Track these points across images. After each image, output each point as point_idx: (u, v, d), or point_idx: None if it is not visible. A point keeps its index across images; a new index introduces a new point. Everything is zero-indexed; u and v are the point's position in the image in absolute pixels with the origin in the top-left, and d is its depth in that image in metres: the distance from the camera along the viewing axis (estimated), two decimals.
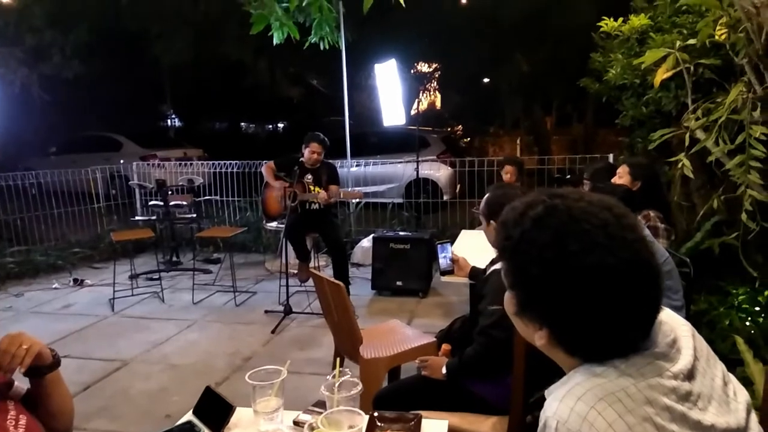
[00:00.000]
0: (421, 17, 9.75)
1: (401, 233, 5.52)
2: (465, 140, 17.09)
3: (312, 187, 4.89)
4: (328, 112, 16.10)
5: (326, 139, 4.91)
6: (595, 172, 3.64)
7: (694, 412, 0.78)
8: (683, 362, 0.82)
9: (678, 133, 2.98)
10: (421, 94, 18.14)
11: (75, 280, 5.77)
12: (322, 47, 5.69)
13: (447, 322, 2.85)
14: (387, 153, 8.89)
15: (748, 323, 2.95)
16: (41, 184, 6.83)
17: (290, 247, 5.07)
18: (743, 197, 2.54)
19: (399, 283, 5.14)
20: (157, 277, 5.61)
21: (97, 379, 3.55)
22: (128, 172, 7.74)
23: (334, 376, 1.47)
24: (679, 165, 2.77)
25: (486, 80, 16.30)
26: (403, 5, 3.62)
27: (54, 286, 5.65)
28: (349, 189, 6.25)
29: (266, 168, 5.07)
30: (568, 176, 6.65)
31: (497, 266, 2.09)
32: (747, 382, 2.20)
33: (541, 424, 0.82)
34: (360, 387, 1.43)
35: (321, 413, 1.35)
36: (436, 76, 17.45)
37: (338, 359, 1.64)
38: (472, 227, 5.22)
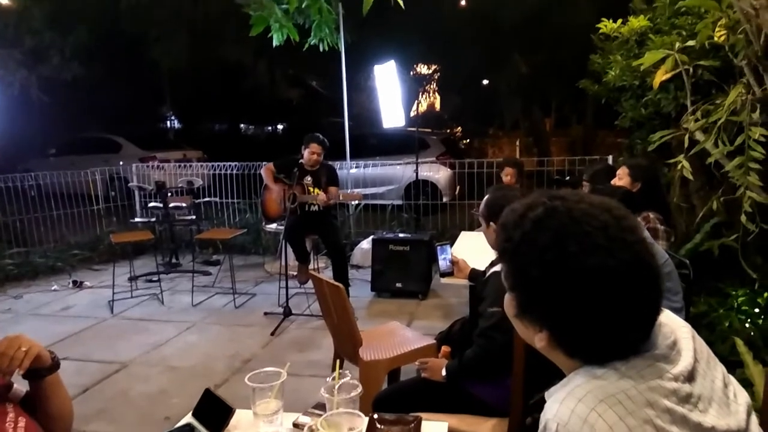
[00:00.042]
0: (421, 19, 9.76)
1: (401, 235, 5.51)
2: (464, 142, 17.09)
3: (311, 189, 4.88)
4: (328, 113, 16.10)
5: (326, 140, 4.91)
6: (595, 174, 3.64)
7: (694, 414, 0.78)
8: (683, 364, 0.82)
9: (677, 134, 2.98)
10: (420, 96, 18.15)
11: (74, 282, 5.77)
12: (321, 49, 5.70)
13: (447, 324, 2.85)
14: (386, 154, 8.88)
15: (747, 325, 2.95)
16: (40, 186, 6.83)
17: (290, 249, 5.07)
18: (742, 199, 2.54)
19: (398, 284, 5.14)
20: (156, 279, 5.61)
21: (97, 382, 3.55)
22: (127, 174, 7.74)
23: (333, 378, 1.47)
24: (679, 166, 2.77)
25: (485, 82, 16.31)
26: (403, 7, 3.63)
27: (53, 288, 5.65)
28: (349, 191, 6.25)
29: (265, 170, 5.07)
30: (568, 178, 6.63)
31: (497, 268, 2.09)
32: (747, 384, 2.20)
33: (541, 426, 0.82)
34: (360, 389, 1.43)
35: (321, 415, 1.35)
36: (436, 77, 17.46)
37: (338, 361, 1.64)
38: (471, 229, 5.22)
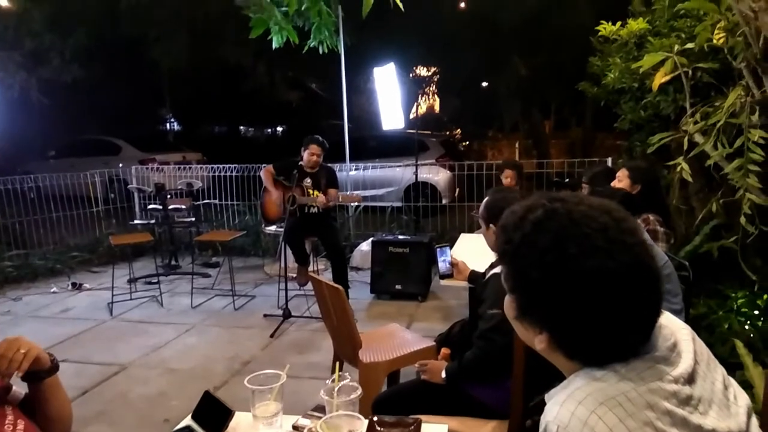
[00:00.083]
0: (420, 21, 9.78)
1: (400, 237, 5.52)
2: (464, 144, 17.11)
3: (311, 191, 4.88)
4: (327, 115, 16.10)
5: (325, 141, 4.91)
6: (594, 176, 3.65)
7: (694, 416, 0.78)
8: (684, 366, 0.82)
9: (676, 136, 2.99)
10: (419, 98, 18.17)
11: (73, 284, 5.76)
12: (321, 51, 5.71)
13: (446, 326, 2.85)
14: (386, 157, 8.88)
15: (747, 327, 2.95)
16: (40, 188, 6.83)
17: (289, 251, 5.06)
18: (742, 201, 2.54)
19: (398, 286, 5.14)
20: (155, 281, 5.60)
21: (96, 384, 3.54)
22: (127, 176, 7.75)
23: (333, 381, 1.47)
24: (678, 169, 2.77)
25: (484, 84, 16.33)
26: (402, 9, 3.63)
27: (52, 290, 5.64)
28: (348, 193, 6.26)
29: (265, 172, 5.07)
30: (567, 180, 6.65)
31: (497, 270, 2.09)
32: (746, 386, 2.20)
33: (541, 428, 0.82)
34: (359, 391, 1.43)
35: (320, 418, 1.35)
36: (435, 79, 17.48)
37: (337, 363, 1.64)
38: (471, 231, 5.22)
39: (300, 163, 4.86)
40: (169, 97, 16.25)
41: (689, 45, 2.98)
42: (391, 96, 6.53)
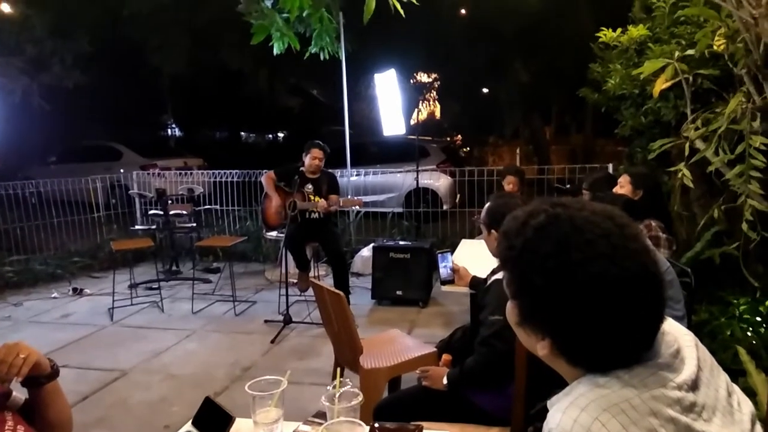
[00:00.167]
0: (421, 28, 9.80)
1: (401, 243, 5.51)
2: (464, 150, 17.13)
3: (312, 197, 4.88)
4: (328, 121, 16.15)
5: (326, 146, 4.92)
6: (594, 182, 3.65)
7: (698, 423, 0.77)
8: (687, 372, 0.81)
9: (677, 143, 2.99)
10: (420, 104, 18.20)
11: (74, 290, 5.76)
12: (322, 57, 5.72)
13: (447, 332, 2.84)
14: (387, 162, 8.90)
15: (749, 333, 2.94)
16: (41, 193, 6.84)
17: (290, 257, 5.06)
18: (743, 207, 2.54)
19: (399, 292, 5.13)
20: (156, 286, 5.60)
21: (96, 389, 3.53)
22: (128, 182, 7.75)
23: (334, 387, 1.46)
24: (679, 175, 2.77)
25: (485, 90, 16.37)
26: (403, 15, 3.64)
27: (53, 296, 5.64)
28: (349, 197, 6.26)
29: (266, 177, 5.07)
30: (568, 186, 6.64)
31: (498, 276, 2.08)
32: (749, 393, 2.18)
33: None
34: (360, 397, 1.42)
35: (321, 424, 1.34)
36: (436, 86, 17.53)
37: (338, 369, 1.63)
38: (472, 237, 5.22)
39: (301, 168, 4.88)
40: (170, 103, 16.30)
41: (690, 51, 2.99)
42: (392, 102, 6.54)
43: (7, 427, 1.26)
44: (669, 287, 2.30)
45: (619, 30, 3.88)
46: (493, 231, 2.19)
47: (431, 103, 19.43)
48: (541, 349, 0.86)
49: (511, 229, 0.87)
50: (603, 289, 0.77)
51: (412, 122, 13.15)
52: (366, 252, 6.08)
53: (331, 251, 5.02)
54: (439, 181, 8.70)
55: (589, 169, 6.31)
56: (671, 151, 3.31)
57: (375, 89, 7.00)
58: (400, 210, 7.39)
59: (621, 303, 0.78)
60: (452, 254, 3.04)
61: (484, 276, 2.47)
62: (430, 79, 17.39)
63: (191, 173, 8.14)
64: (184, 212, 6.20)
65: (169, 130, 19.14)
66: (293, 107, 19.96)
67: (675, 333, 0.88)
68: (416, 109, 16.91)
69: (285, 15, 4.77)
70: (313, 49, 5.57)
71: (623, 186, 3.24)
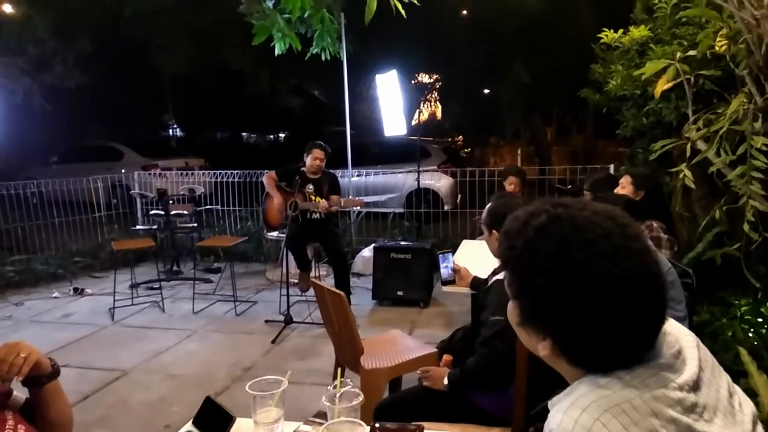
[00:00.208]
0: (422, 28, 9.81)
1: (402, 243, 5.51)
2: (465, 150, 17.13)
3: (313, 197, 4.88)
4: (330, 122, 16.17)
5: (327, 146, 4.92)
6: (595, 183, 3.64)
7: (699, 423, 0.77)
8: (688, 373, 0.81)
9: (679, 143, 2.98)
10: (421, 105, 18.21)
11: (75, 289, 5.76)
12: (323, 58, 5.72)
13: (448, 333, 2.84)
14: (388, 163, 8.91)
15: (750, 334, 2.93)
16: (42, 193, 6.84)
17: (291, 257, 5.06)
18: (745, 208, 2.53)
19: (400, 293, 5.13)
20: (157, 286, 5.60)
21: (97, 389, 3.53)
22: (129, 182, 7.75)
23: (335, 387, 1.46)
24: (681, 175, 2.77)
25: (486, 91, 16.37)
26: (404, 16, 3.64)
27: (54, 295, 5.64)
28: (350, 197, 6.26)
29: (267, 178, 5.07)
30: (569, 186, 6.64)
31: (499, 276, 2.08)
32: (751, 394, 2.18)
33: None
34: (361, 398, 1.42)
35: (322, 424, 1.34)
36: (437, 86, 17.53)
37: (339, 369, 1.63)
38: (473, 237, 5.21)
39: (302, 169, 4.88)
40: (171, 103, 16.30)
41: (691, 52, 2.99)
42: (393, 103, 6.54)
43: (7, 427, 1.26)
44: (670, 288, 2.29)
45: (620, 31, 3.88)
46: (494, 231, 2.19)
47: (432, 103, 19.44)
48: (542, 349, 0.86)
49: (512, 229, 0.87)
50: (604, 289, 0.77)
51: (414, 123, 13.16)
52: (367, 252, 6.08)
53: (332, 251, 5.02)
54: (440, 182, 8.70)
55: (591, 169, 6.30)
56: (673, 151, 3.31)
57: (376, 90, 7.01)
58: (401, 210, 7.39)
59: (622, 303, 0.78)
60: (453, 255, 3.04)
61: (485, 276, 2.47)
62: (432, 80, 17.40)
63: (192, 173, 8.15)
64: (185, 212, 6.20)
65: (171, 131, 19.15)
66: (294, 108, 19.97)
67: (676, 333, 0.88)
68: (417, 110, 16.92)
69: (286, 16, 4.77)
70: (314, 50, 5.57)
71: (624, 187, 3.24)
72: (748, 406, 0.87)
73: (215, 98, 15.85)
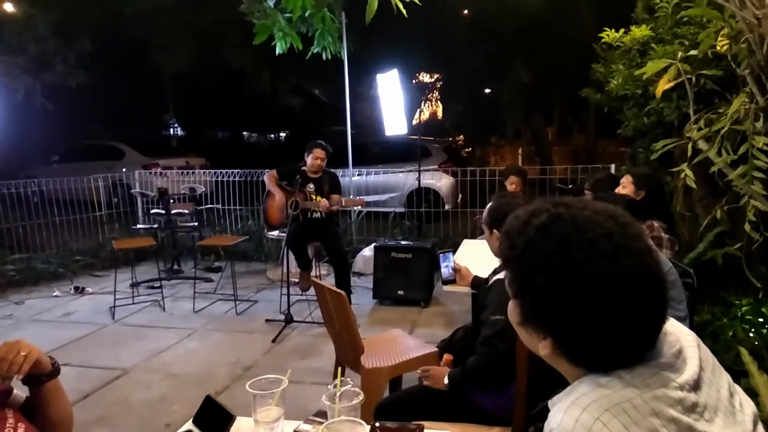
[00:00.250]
0: (423, 28, 9.80)
1: (403, 242, 5.51)
2: (466, 150, 17.12)
3: (314, 196, 4.88)
4: (330, 121, 16.17)
5: (328, 146, 4.92)
6: (596, 182, 3.64)
7: (700, 423, 0.77)
8: (689, 373, 0.81)
9: (680, 143, 2.98)
10: (422, 104, 18.21)
11: (76, 288, 5.77)
12: (324, 57, 5.71)
13: (449, 332, 2.84)
14: (389, 162, 8.90)
15: (751, 334, 2.93)
16: (43, 192, 6.85)
17: (291, 256, 5.06)
18: (746, 208, 2.53)
19: (400, 292, 5.13)
20: (158, 285, 5.61)
21: (97, 388, 3.54)
22: (130, 181, 7.77)
23: (335, 386, 1.46)
24: (682, 175, 2.77)
25: (487, 90, 16.36)
26: (405, 15, 3.64)
27: (55, 294, 5.65)
28: (351, 197, 6.26)
29: (268, 177, 5.07)
30: (570, 186, 6.64)
31: (500, 275, 2.08)
32: (752, 394, 2.18)
33: None
34: (361, 397, 1.42)
35: (322, 423, 1.34)
36: (438, 86, 17.53)
37: (339, 369, 1.63)
38: (474, 236, 5.21)
39: (303, 168, 4.88)
40: (172, 102, 16.30)
41: (693, 52, 2.99)
42: (394, 102, 6.54)
43: (8, 425, 1.26)
44: (671, 288, 2.30)
45: (621, 30, 3.88)
46: (495, 231, 2.19)
47: (433, 103, 19.44)
48: (542, 348, 0.86)
49: (513, 228, 0.87)
50: (605, 289, 0.77)
51: (414, 122, 13.18)
52: (367, 251, 6.08)
53: (333, 251, 5.02)
54: (441, 181, 8.70)
55: (592, 169, 6.30)
56: (674, 151, 3.30)
57: (377, 89, 7.00)
58: (401, 210, 7.39)
59: (623, 302, 0.78)
60: (454, 254, 3.04)
61: (485, 276, 2.47)
62: (433, 80, 17.40)
63: (193, 172, 8.15)
64: (186, 211, 6.21)
65: (172, 130, 19.17)
66: (295, 107, 19.97)
67: (677, 333, 0.88)
68: (418, 110, 16.95)
69: (287, 15, 4.76)
70: (315, 49, 5.57)
71: (625, 186, 3.24)
72: (748, 406, 0.87)
73: (216, 97, 15.86)
